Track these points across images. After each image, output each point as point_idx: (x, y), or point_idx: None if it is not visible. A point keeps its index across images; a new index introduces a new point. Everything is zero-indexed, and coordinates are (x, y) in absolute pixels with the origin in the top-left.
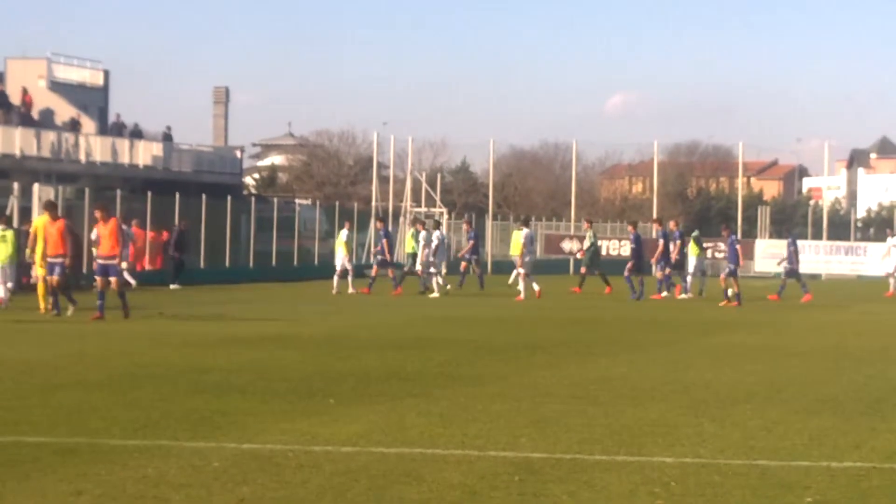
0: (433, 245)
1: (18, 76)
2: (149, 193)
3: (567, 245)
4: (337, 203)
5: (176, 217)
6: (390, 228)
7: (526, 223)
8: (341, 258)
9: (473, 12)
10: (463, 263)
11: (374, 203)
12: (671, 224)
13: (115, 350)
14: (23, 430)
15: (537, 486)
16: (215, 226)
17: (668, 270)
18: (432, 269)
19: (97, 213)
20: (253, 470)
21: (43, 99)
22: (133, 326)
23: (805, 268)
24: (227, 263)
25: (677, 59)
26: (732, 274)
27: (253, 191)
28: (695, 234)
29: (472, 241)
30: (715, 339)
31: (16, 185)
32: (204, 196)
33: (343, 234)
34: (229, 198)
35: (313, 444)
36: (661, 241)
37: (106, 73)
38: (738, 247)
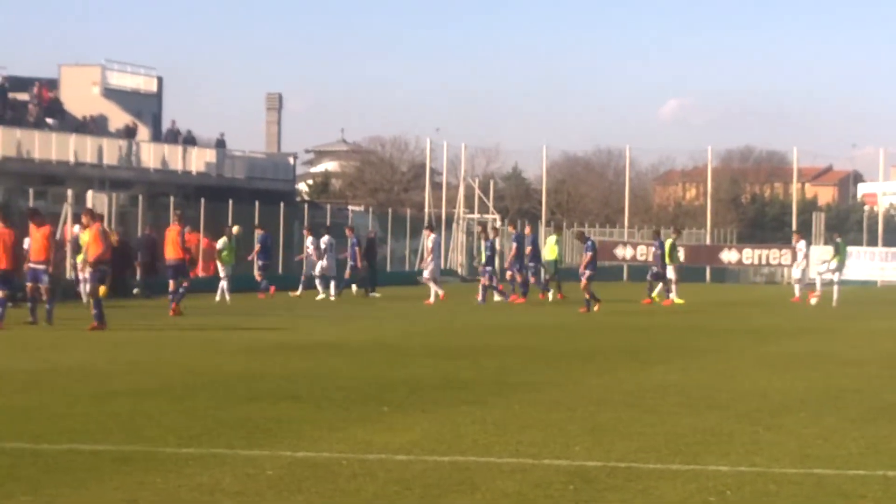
0: (322, 249)
1: (73, 83)
2: (202, 200)
3: (620, 252)
4: (390, 209)
5: (230, 221)
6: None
7: (430, 228)
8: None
9: (526, 18)
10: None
11: (426, 209)
12: (526, 229)
13: (169, 357)
14: (78, 437)
15: (592, 495)
16: (268, 232)
17: (529, 275)
18: (315, 273)
19: (84, 219)
20: (307, 478)
21: (97, 106)
22: (187, 334)
23: (860, 274)
24: (279, 270)
25: (732, 64)
26: (591, 279)
27: (306, 197)
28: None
29: (356, 248)
30: (768, 346)
31: (70, 192)
32: (257, 203)
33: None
34: (282, 204)
35: (367, 452)
36: (515, 245)
37: (159, 80)
38: (589, 253)
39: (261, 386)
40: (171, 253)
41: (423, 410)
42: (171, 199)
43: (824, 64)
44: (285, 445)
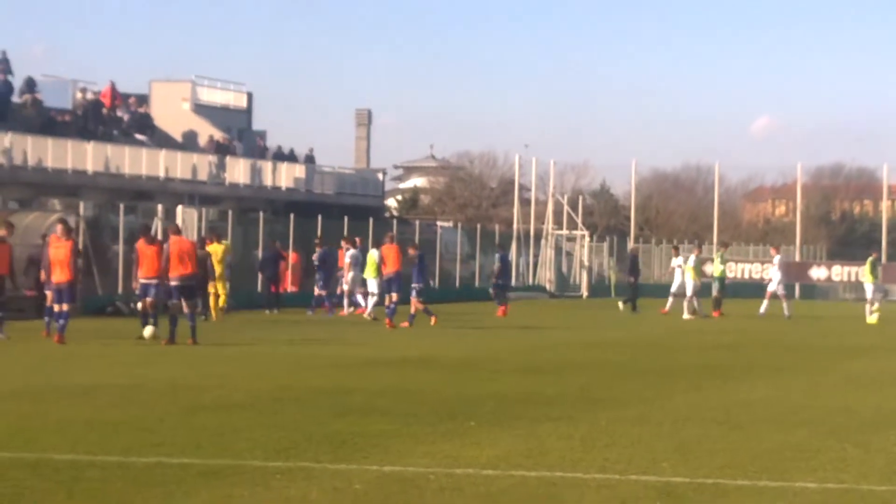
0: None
1: (163, 99)
2: (291, 215)
3: (709, 268)
4: (479, 225)
5: (318, 237)
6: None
7: (352, 243)
8: (692, 284)
9: (615, 34)
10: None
11: (515, 225)
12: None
13: (258, 372)
14: (167, 451)
15: None
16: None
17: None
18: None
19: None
20: (394, 492)
21: (187, 121)
22: (276, 349)
23: None
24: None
25: (822, 81)
26: (420, 294)
27: (395, 213)
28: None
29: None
30: (855, 363)
31: (160, 207)
32: (346, 218)
33: (691, 260)
34: (371, 220)
35: (454, 466)
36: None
37: (249, 96)
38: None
39: (348, 400)
40: (391, 267)
41: (509, 426)
42: (262, 214)
43: None
44: (373, 460)
